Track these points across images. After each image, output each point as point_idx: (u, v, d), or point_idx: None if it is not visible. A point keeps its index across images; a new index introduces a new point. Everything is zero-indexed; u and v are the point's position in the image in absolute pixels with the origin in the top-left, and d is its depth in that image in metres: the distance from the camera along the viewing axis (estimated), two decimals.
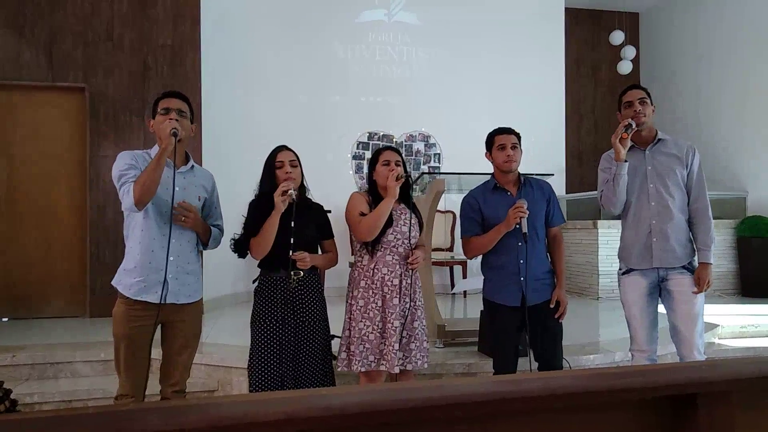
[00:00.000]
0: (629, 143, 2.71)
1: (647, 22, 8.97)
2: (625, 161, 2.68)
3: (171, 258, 2.32)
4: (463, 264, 6.15)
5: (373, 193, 2.70)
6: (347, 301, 2.72)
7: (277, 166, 2.59)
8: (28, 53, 4.93)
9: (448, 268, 6.48)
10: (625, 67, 7.82)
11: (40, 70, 4.95)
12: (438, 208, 3.99)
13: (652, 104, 2.80)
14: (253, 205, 2.62)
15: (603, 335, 4.46)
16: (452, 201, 6.41)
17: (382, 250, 2.65)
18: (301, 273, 2.57)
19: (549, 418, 0.94)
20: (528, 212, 2.54)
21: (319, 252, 2.80)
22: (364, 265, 2.68)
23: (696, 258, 2.74)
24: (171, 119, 2.28)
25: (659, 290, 2.78)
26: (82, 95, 5.05)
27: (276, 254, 2.53)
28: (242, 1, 6.15)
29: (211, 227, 2.53)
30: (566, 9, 7.55)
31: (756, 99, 6.93)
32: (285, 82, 6.56)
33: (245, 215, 2.63)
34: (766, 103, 6.78)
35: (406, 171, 2.66)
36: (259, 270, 2.67)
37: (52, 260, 5.05)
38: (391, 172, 2.56)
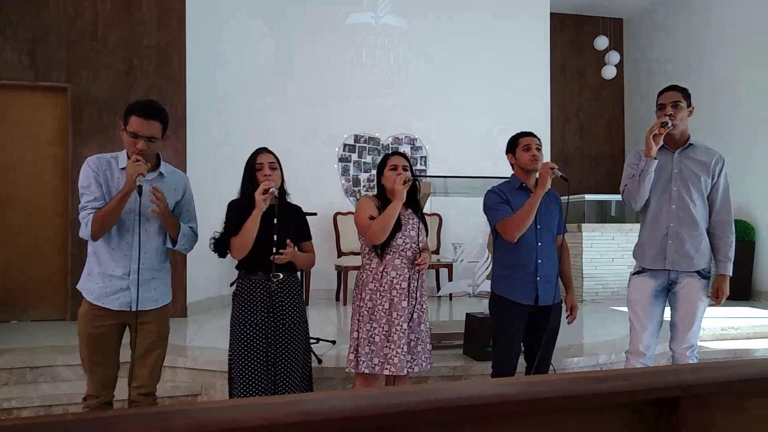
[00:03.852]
0: (661, 142, 2.71)
1: (631, 28, 9.08)
2: (655, 159, 2.69)
3: (134, 266, 2.34)
4: (449, 267, 6.16)
5: (382, 198, 2.75)
6: (354, 303, 2.75)
7: (257, 168, 2.58)
8: (10, 52, 4.85)
9: (434, 271, 6.49)
10: (609, 72, 7.90)
11: (22, 69, 4.87)
12: (424, 211, 3.99)
13: (689, 106, 2.78)
14: (233, 205, 2.62)
15: (587, 338, 4.49)
16: (438, 204, 6.44)
17: (391, 253, 2.70)
18: (281, 275, 2.56)
19: (533, 421, 0.94)
20: (556, 165, 2.64)
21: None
22: (373, 268, 2.72)
23: (709, 265, 2.78)
24: (138, 158, 2.26)
25: (667, 294, 2.81)
26: (65, 95, 4.99)
27: (256, 256, 2.51)
28: (228, 2, 6.11)
29: (182, 225, 2.50)
30: (551, 14, 7.62)
31: (740, 105, 7.03)
32: (271, 84, 6.53)
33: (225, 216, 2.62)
34: (750, 108, 6.89)
35: (413, 176, 2.75)
36: (237, 272, 2.65)
37: (34, 263, 4.97)
38: (399, 176, 2.63)
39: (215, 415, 0.74)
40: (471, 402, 0.85)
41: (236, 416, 0.73)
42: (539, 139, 2.83)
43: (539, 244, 2.70)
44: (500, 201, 2.74)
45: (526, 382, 0.96)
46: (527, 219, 2.60)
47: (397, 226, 2.66)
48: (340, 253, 6.37)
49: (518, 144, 2.81)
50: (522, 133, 2.86)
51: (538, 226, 2.70)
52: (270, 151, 2.65)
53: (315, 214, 4.28)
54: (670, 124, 2.66)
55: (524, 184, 2.77)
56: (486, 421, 0.89)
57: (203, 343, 4.05)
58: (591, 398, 0.93)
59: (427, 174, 6.82)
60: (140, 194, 2.24)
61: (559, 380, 0.95)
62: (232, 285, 2.66)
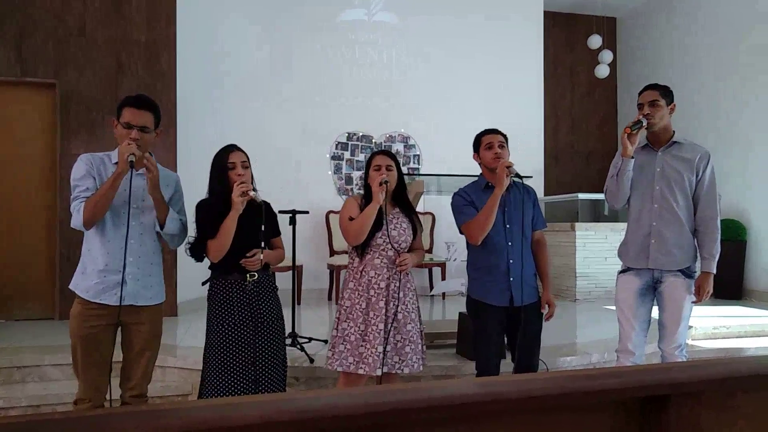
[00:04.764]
0: (639, 140, 2.69)
1: (624, 27, 9.12)
2: (632, 158, 2.68)
3: (130, 259, 2.31)
4: (442, 266, 6.17)
5: (369, 197, 2.70)
6: (339, 302, 2.77)
7: (229, 167, 2.54)
8: None
9: (427, 269, 6.49)
10: (602, 71, 7.93)
11: (8, 64, 4.83)
12: (417, 210, 3.99)
13: (669, 104, 2.74)
14: (202, 206, 2.56)
15: (580, 337, 4.51)
16: (432, 203, 6.44)
17: (371, 253, 2.68)
18: (256, 275, 2.55)
19: (526, 419, 0.94)
20: (513, 163, 2.55)
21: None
22: (354, 267, 2.72)
23: (694, 264, 2.77)
24: (131, 142, 2.25)
25: (654, 293, 2.80)
26: (52, 91, 4.94)
27: (232, 256, 2.49)
28: (222, 1, 6.09)
29: (170, 209, 2.45)
30: (544, 12, 7.64)
31: (729, 104, 7.09)
32: (267, 82, 6.51)
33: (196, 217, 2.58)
34: (738, 107, 6.94)
35: (400, 174, 2.72)
36: (210, 272, 2.62)
37: (22, 261, 4.92)
38: (381, 176, 2.60)
39: (209, 413, 0.73)
40: (463, 400, 0.85)
41: (230, 414, 0.73)
42: (504, 135, 2.74)
43: (509, 243, 2.63)
44: (464, 203, 2.68)
45: (518, 381, 0.96)
46: (488, 221, 2.54)
47: (377, 226, 2.63)
48: (332, 252, 6.36)
49: (481, 143, 2.74)
50: (485, 131, 2.77)
51: (507, 225, 2.63)
52: (240, 149, 2.61)
53: (307, 212, 4.27)
54: (644, 123, 2.65)
55: (490, 184, 2.68)
56: (478, 419, 0.89)
57: (193, 343, 4.02)
58: (582, 396, 0.93)
59: (421, 172, 6.83)
60: (132, 167, 2.21)
61: (551, 378, 0.95)
62: (203, 284, 2.64)
